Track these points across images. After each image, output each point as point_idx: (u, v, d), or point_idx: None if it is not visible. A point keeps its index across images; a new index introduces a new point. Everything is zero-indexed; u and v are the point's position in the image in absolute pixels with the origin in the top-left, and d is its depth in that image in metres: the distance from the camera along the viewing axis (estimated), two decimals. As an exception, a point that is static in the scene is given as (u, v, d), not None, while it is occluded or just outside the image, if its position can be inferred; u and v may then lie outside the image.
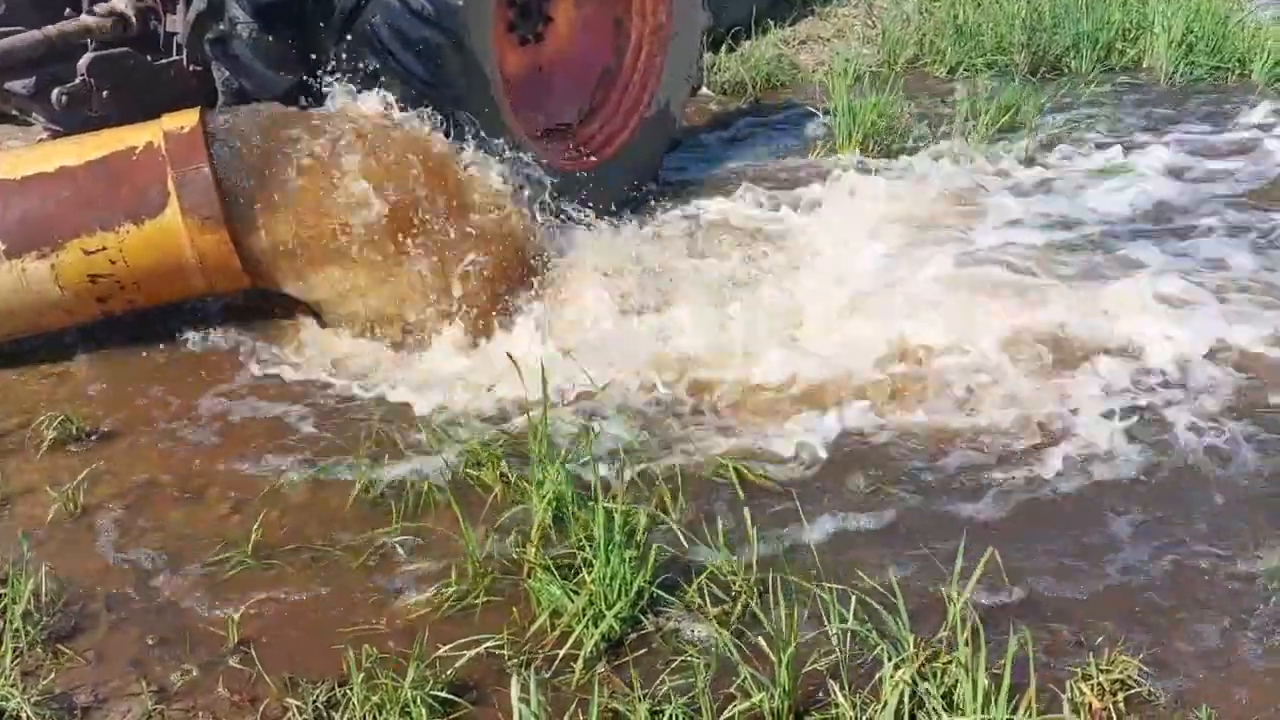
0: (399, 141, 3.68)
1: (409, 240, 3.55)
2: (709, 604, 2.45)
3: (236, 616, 2.49)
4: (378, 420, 3.26)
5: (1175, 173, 5.12)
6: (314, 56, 3.89)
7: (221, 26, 3.83)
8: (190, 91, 3.94)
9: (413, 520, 2.83)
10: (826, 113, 5.63)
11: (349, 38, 3.80)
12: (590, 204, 4.38)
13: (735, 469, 2.95)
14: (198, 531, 2.84)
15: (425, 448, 3.10)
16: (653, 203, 4.76)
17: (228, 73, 3.94)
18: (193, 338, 3.71)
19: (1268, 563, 2.61)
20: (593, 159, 4.61)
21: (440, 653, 2.33)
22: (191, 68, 4.03)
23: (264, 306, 3.82)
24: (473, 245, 3.66)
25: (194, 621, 2.52)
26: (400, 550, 2.74)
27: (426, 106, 3.79)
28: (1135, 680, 2.22)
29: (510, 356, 3.13)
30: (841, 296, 3.89)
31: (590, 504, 2.55)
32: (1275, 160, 5.22)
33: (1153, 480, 2.96)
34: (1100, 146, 5.38)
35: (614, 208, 4.57)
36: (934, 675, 2.18)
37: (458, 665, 2.31)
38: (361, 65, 3.81)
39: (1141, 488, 2.92)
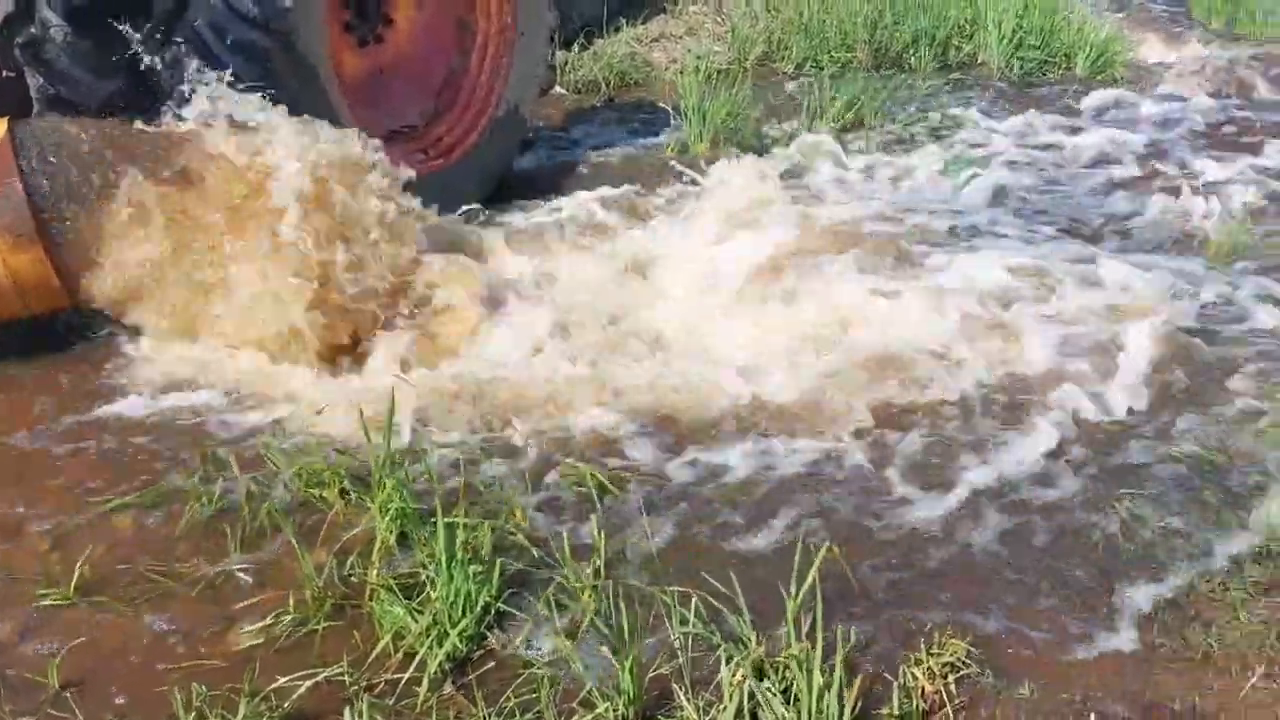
0: (231, 151, 3.53)
1: (243, 255, 3.41)
2: (556, 616, 2.44)
3: (58, 659, 2.36)
4: (213, 443, 3.13)
5: (1010, 161, 5.37)
6: (137, 61, 3.71)
7: (33, 30, 3.62)
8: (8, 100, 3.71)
9: (251, 547, 2.73)
10: (679, 110, 5.68)
11: (173, 41, 3.63)
12: (439, 207, 4.31)
13: (588, 476, 2.94)
14: (15, 570, 2.67)
15: (264, 470, 2.99)
16: (503, 205, 4.72)
17: (42, 79, 3.72)
18: (8, 360, 3.50)
19: (1088, 541, 2.75)
20: (440, 161, 4.53)
21: (277, 684, 2.25)
22: (4, 74, 3.79)
23: (89, 324, 3.63)
24: (315, 256, 3.53)
25: (10, 667, 2.37)
26: (237, 579, 2.64)
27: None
28: (964, 662, 2.31)
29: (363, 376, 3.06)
30: (700, 298, 3.93)
31: (434, 521, 2.51)
32: (1101, 147, 5.53)
33: (972, 468, 3.06)
34: (940, 137, 5.61)
35: (464, 210, 4.51)
36: (774, 671, 2.23)
37: (295, 697, 2.23)
38: (186, 70, 3.64)
39: (966, 474, 3.04)
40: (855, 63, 6.59)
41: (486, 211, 4.61)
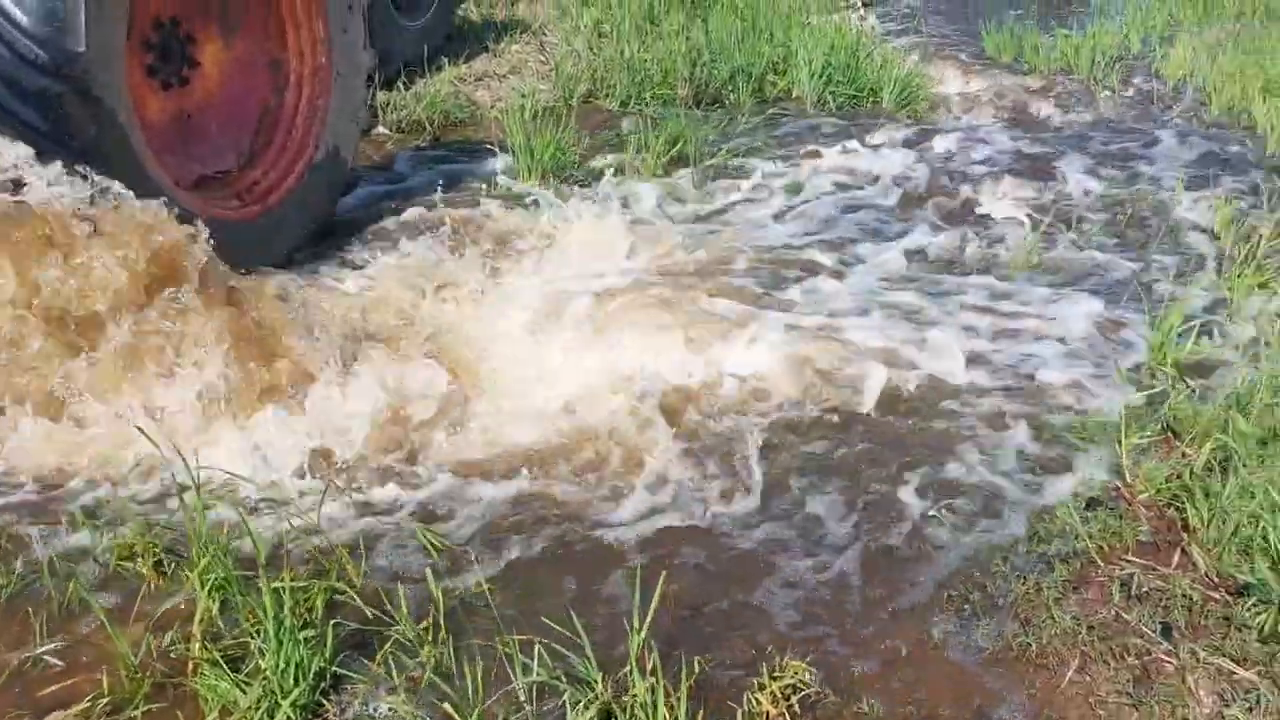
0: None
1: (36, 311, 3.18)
2: (396, 675, 2.36)
3: None
4: (12, 517, 2.89)
5: (825, 191, 5.59)
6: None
7: None
8: None
9: (59, 629, 2.52)
10: (506, 149, 5.68)
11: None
12: (258, 255, 4.15)
13: (421, 534, 2.87)
14: None
15: (71, 544, 2.78)
16: (325, 252, 4.59)
17: None
18: None
19: (909, 557, 2.87)
20: (258, 207, 4.37)
21: (90, 778, 2.09)
22: None
23: None
24: (109, 308, 3.33)
25: None
26: (46, 663, 2.44)
27: (51, 161, 3.43)
28: (805, 683, 2.37)
29: (153, 429, 2.88)
30: (528, 337, 3.91)
31: (259, 586, 2.38)
32: (909, 175, 5.84)
33: (796, 489, 3.16)
34: (760, 170, 5.79)
35: (285, 257, 4.36)
36: (623, 712, 2.22)
37: (112, 789, 2.08)
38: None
39: (784, 500, 3.12)
40: (677, 100, 6.75)
41: (309, 258, 4.48)
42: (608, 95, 6.82)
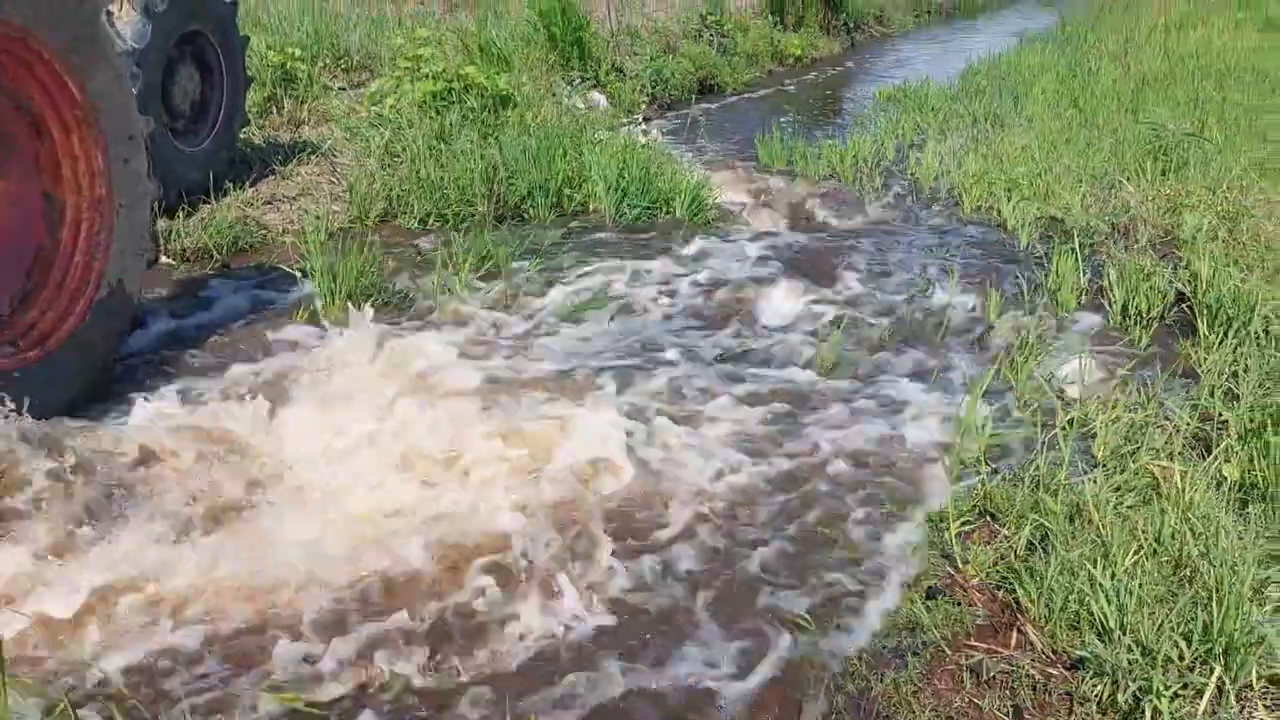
0: None
1: None
2: None
3: None
4: None
5: (628, 302, 5.70)
6: None
7: None
8: None
9: None
10: (304, 273, 5.48)
11: None
12: (38, 404, 3.77)
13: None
14: None
15: None
16: (109, 396, 4.23)
17: None
18: None
19: (771, 659, 2.89)
20: (35, 352, 3.99)
21: None
22: None
23: None
24: None
25: None
26: None
27: None
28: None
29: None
30: (319, 470, 3.76)
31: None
32: (704, 282, 6.06)
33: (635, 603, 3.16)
34: (564, 283, 5.85)
35: (67, 404, 3.99)
36: None
37: None
38: None
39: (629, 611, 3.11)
40: (477, 216, 6.76)
41: (92, 403, 4.12)
42: (406, 214, 6.75)
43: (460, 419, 4.04)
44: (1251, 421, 3.79)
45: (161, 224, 5.89)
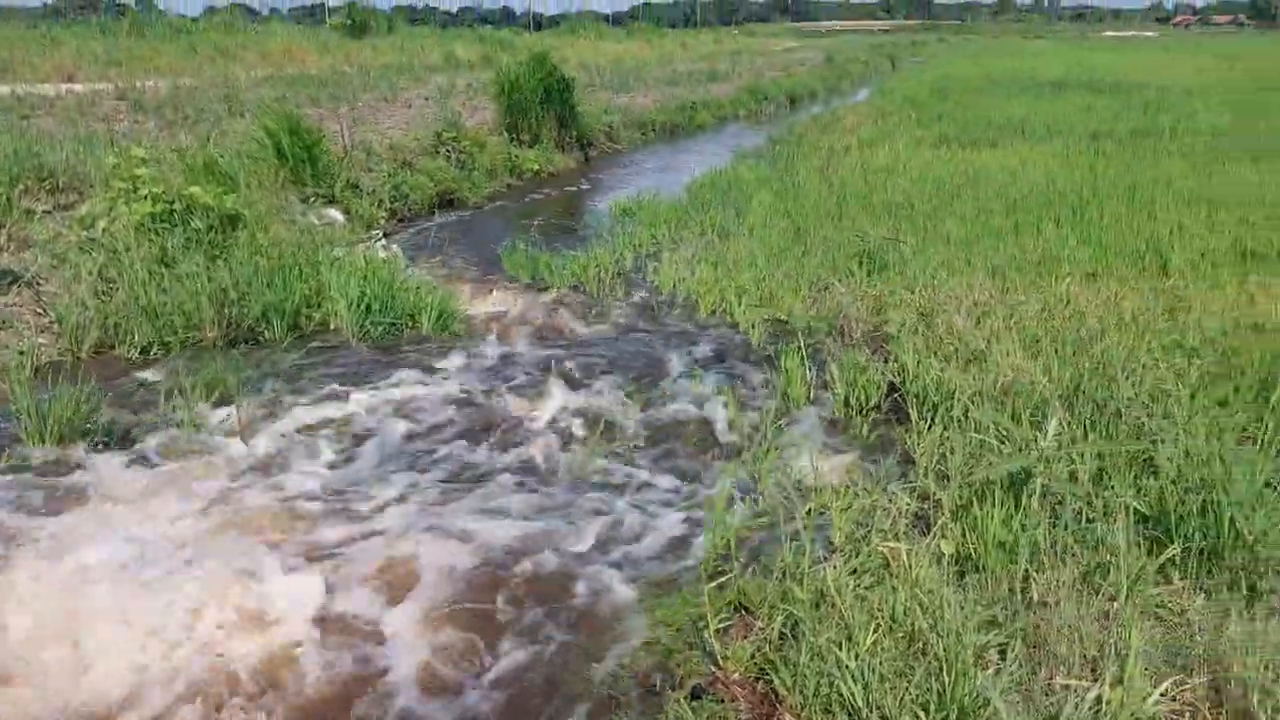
0: None
1: None
2: None
3: None
4: None
5: (375, 426, 5.55)
6: None
7: None
8: None
9: None
10: (8, 415, 4.96)
11: None
12: None
13: None
14: None
15: None
16: None
17: None
18: None
19: None
20: None
21: None
22: None
23: None
24: None
25: None
26: None
27: None
28: None
29: None
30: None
31: None
32: (456, 398, 6.02)
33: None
34: (308, 406, 5.63)
35: None
36: None
37: None
38: None
39: None
40: (206, 341, 6.41)
41: None
42: (125, 344, 6.28)
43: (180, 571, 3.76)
44: (961, 499, 4.18)
45: None
